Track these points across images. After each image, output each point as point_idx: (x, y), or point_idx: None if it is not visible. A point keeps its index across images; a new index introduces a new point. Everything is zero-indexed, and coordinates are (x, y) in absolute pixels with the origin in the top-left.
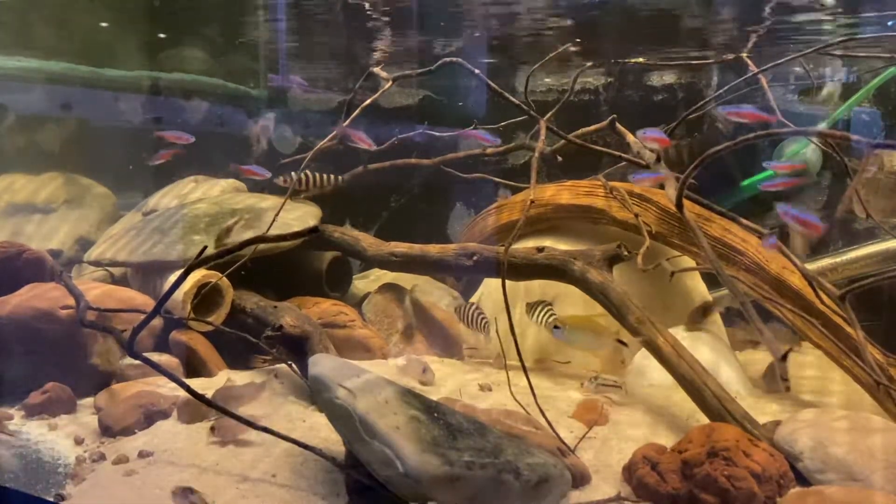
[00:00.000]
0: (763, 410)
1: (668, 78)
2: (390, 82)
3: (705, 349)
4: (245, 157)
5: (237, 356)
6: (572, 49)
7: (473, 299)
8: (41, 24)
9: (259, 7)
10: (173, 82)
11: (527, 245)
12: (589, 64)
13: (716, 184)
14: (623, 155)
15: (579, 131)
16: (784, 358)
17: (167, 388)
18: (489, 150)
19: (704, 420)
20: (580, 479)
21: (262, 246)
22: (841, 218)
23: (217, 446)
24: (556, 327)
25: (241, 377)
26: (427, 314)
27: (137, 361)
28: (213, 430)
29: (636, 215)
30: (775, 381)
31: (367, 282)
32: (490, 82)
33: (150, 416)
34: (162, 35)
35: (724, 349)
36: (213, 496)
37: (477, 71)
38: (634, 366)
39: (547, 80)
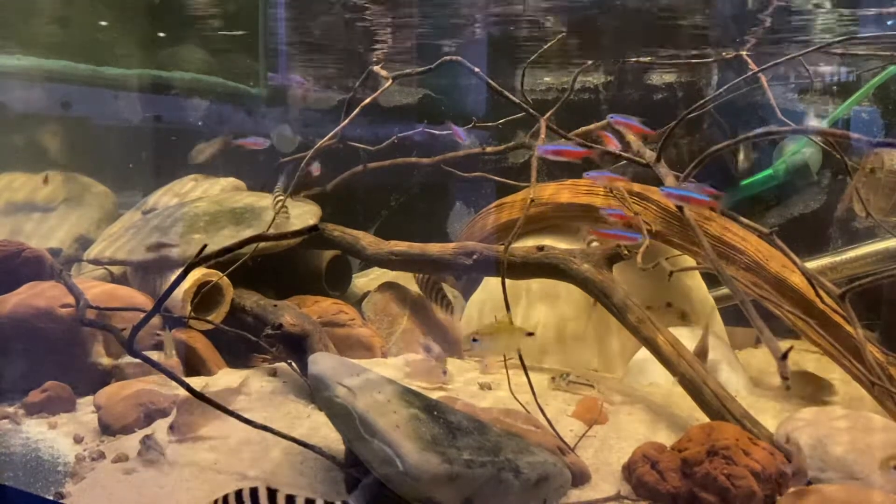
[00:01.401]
0: (762, 409)
1: (668, 77)
2: (390, 81)
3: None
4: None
5: (237, 355)
6: (563, 38)
7: (474, 298)
8: (41, 22)
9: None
10: (173, 81)
11: (527, 244)
12: (589, 62)
13: (715, 182)
14: (623, 154)
15: (579, 130)
16: (784, 357)
17: (167, 387)
18: (489, 149)
19: (704, 419)
20: (580, 477)
21: (262, 244)
22: (841, 217)
23: (217, 447)
24: (473, 339)
25: (239, 376)
26: (427, 313)
27: (137, 360)
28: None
29: (636, 214)
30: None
31: (366, 280)
32: (490, 81)
33: (150, 414)
34: (161, 34)
35: (724, 348)
36: (212, 494)
37: (477, 69)
38: (634, 364)
39: (546, 78)
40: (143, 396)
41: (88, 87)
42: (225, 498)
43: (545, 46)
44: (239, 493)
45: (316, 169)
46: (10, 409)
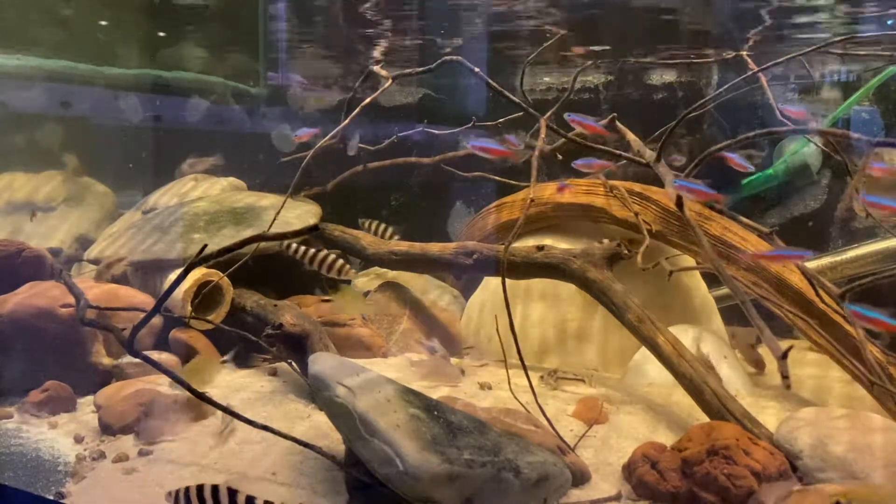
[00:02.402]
0: (763, 409)
1: (669, 76)
2: (390, 81)
3: (705, 347)
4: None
5: (237, 355)
6: (565, 37)
7: (474, 298)
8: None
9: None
10: (173, 80)
11: (527, 244)
12: (589, 62)
13: (715, 182)
14: (623, 153)
15: (579, 129)
16: (784, 356)
17: (167, 387)
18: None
19: (704, 419)
20: (580, 477)
21: (262, 244)
22: (841, 216)
23: (217, 446)
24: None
25: (239, 375)
26: (427, 313)
27: (137, 360)
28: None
29: (636, 214)
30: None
31: (366, 280)
32: (490, 81)
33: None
34: (162, 34)
35: (724, 347)
36: None
37: (477, 69)
38: (634, 364)
39: (546, 78)
40: (143, 396)
41: (88, 87)
42: (186, 491)
43: (544, 45)
44: (200, 489)
45: (353, 149)
46: (11, 409)
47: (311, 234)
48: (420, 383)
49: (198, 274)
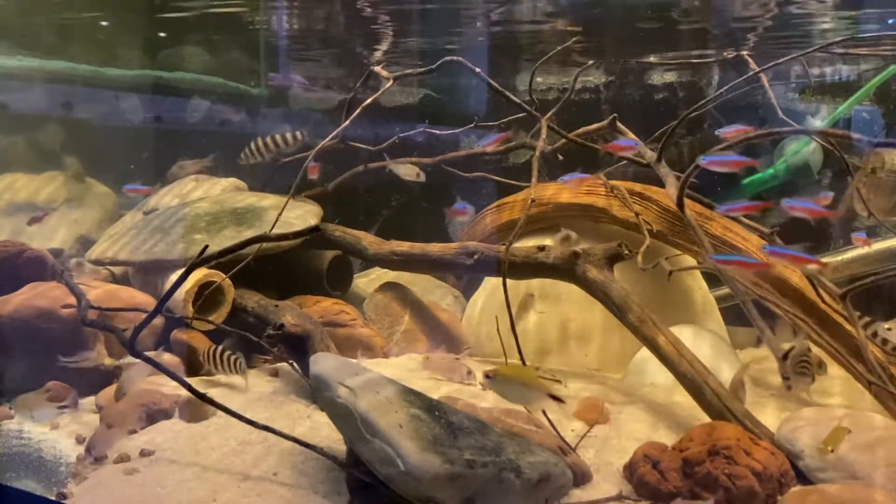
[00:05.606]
0: (763, 409)
1: (669, 77)
2: (391, 81)
3: (706, 347)
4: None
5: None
6: (574, 45)
7: (475, 298)
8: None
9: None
10: (174, 81)
11: (528, 244)
12: (591, 62)
13: (716, 182)
14: (623, 153)
15: (580, 130)
16: (785, 357)
17: (169, 387)
18: (489, 149)
19: (705, 419)
20: (581, 477)
21: (263, 245)
22: (842, 216)
23: (219, 447)
24: (487, 376)
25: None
26: (428, 313)
27: (139, 360)
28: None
29: (637, 214)
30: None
31: (367, 280)
32: (491, 81)
33: (152, 414)
34: (162, 34)
35: (725, 347)
36: (214, 494)
37: (478, 70)
38: (635, 364)
39: (539, 78)
40: (144, 397)
41: (89, 88)
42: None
43: (553, 51)
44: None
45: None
46: (12, 409)
47: (311, 235)
48: (422, 376)
49: (199, 275)
